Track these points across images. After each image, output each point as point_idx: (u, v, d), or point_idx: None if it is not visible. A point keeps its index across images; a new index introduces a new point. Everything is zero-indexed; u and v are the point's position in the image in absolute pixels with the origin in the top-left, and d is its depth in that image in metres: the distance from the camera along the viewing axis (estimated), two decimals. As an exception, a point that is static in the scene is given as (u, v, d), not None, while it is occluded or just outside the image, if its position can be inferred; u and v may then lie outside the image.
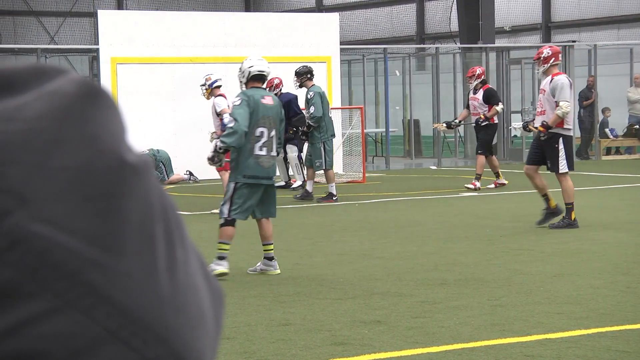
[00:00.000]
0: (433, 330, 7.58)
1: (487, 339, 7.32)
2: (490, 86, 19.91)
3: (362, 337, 7.42)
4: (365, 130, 23.28)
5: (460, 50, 28.91)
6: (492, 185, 19.21)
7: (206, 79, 17.08)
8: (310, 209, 16.49)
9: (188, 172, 21.87)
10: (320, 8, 43.02)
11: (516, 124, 18.04)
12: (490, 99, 19.07)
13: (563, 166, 13.36)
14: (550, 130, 13.44)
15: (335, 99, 24.01)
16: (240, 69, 10.71)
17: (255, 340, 7.41)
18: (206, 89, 16.90)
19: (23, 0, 41.20)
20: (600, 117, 28.05)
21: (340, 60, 24.91)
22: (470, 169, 25.16)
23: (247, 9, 44.90)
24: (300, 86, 18.02)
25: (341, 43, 25.04)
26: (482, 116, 18.82)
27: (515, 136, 29.07)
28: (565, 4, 37.90)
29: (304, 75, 17.97)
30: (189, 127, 22.17)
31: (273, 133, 10.22)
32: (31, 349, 0.63)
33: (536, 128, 13.63)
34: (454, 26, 34.61)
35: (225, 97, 16.60)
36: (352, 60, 30.90)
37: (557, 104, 13.38)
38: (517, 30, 38.21)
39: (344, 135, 23.39)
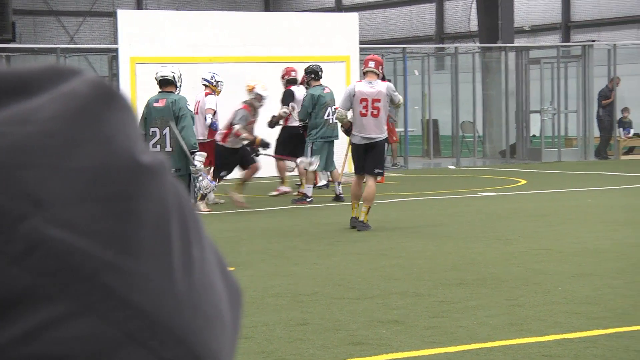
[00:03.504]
0: (451, 330, 7.58)
1: (505, 338, 7.32)
2: (291, 88, 18.53)
3: (380, 337, 7.43)
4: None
5: (479, 50, 28.87)
6: (274, 193, 18.31)
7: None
8: (329, 208, 16.50)
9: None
10: (339, 8, 43.02)
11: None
12: (283, 99, 18.16)
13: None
14: None
15: (354, 99, 23.98)
16: None
17: (273, 339, 7.43)
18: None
19: (43, 0, 41.35)
20: (619, 116, 28.05)
21: (360, 60, 24.90)
22: (489, 168, 25.14)
23: (267, 8, 44.94)
24: (307, 84, 17.97)
25: (360, 43, 25.03)
26: (271, 117, 17.87)
27: (534, 135, 29.02)
28: (585, 4, 37.78)
29: (308, 75, 18.01)
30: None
31: (166, 131, 11.70)
32: (50, 353, 0.63)
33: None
34: (473, 26, 34.56)
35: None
36: (371, 60, 30.86)
37: None
38: (536, 30, 38.11)
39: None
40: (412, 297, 8.84)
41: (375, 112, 13.65)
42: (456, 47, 29.07)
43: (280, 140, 18.30)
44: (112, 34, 33.49)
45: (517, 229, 13.29)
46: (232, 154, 16.12)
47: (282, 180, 18.43)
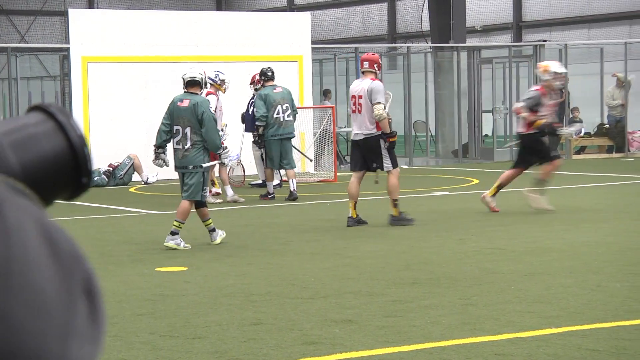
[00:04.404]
0: (404, 330, 7.59)
1: (458, 338, 7.34)
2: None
3: (333, 337, 7.42)
4: (336, 130, 23.29)
5: (431, 50, 28.96)
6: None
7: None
8: (282, 208, 16.48)
9: (147, 177, 21.77)
10: (291, 7, 42.99)
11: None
12: None
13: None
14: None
15: (306, 98, 24.01)
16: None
17: (226, 339, 7.40)
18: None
19: (-7, -1, 40.94)
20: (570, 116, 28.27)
21: (312, 60, 24.90)
22: (442, 168, 25.22)
23: (219, 8, 44.81)
24: (263, 86, 18.15)
25: (312, 42, 25.02)
26: None
27: (486, 135, 29.16)
28: (536, 4, 38.04)
29: (259, 78, 18.20)
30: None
31: (187, 130, 12.10)
32: None
33: None
34: (426, 25, 34.67)
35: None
36: (323, 60, 30.90)
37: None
38: (488, 30, 38.32)
39: (316, 134, 23.38)
40: (366, 297, 8.84)
41: (360, 108, 13.83)
42: (408, 47, 29.15)
43: None
44: (64, 33, 33.26)
45: (470, 228, 13.34)
46: (539, 144, 15.29)
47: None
